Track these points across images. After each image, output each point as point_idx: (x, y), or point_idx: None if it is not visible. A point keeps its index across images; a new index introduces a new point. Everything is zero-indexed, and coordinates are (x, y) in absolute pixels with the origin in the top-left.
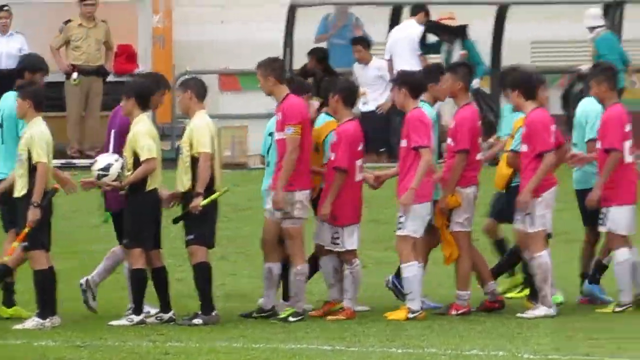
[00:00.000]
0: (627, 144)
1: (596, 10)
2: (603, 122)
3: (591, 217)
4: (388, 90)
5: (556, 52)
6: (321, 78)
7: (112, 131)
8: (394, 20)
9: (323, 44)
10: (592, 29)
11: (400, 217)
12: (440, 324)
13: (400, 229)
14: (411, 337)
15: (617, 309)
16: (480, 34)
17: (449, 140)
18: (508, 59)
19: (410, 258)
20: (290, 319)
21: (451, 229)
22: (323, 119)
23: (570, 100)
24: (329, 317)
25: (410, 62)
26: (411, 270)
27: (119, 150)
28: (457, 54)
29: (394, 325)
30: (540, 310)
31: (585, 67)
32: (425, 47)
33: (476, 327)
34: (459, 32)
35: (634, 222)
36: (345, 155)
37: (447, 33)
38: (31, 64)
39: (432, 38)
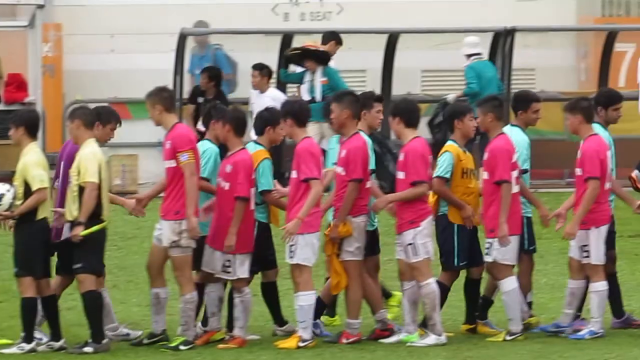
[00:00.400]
0: (514, 174)
1: (473, 39)
2: (492, 153)
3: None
4: None
5: (446, 80)
6: (212, 98)
7: (62, 162)
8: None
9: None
10: (468, 56)
11: (291, 245)
12: (331, 352)
13: (291, 257)
14: None
15: (508, 338)
16: (372, 63)
17: (340, 170)
18: (399, 88)
19: (307, 287)
20: (181, 347)
21: (342, 257)
22: (253, 148)
23: (434, 128)
24: (220, 346)
25: None
26: (306, 299)
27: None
28: (319, 82)
29: (285, 354)
30: (431, 339)
31: (451, 96)
32: (287, 77)
33: (366, 356)
34: (323, 58)
35: (517, 252)
36: (245, 184)
37: (312, 59)
38: None
39: (293, 68)
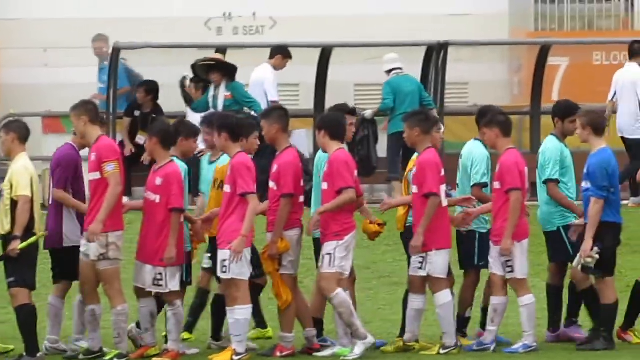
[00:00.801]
0: (443, 187)
1: (392, 55)
2: (420, 167)
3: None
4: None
5: (379, 94)
6: (149, 112)
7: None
8: None
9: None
10: (388, 72)
11: (224, 260)
12: None
13: (224, 272)
14: None
15: (442, 352)
16: (306, 76)
17: (272, 184)
18: (332, 102)
19: (244, 301)
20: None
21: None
22: (226, 159)
23: (357, 145)
24: (155, 359)
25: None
26: (242, 313)
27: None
28: (223, 95)
29: None
30: (360, 347)
31: (368, 112)
32: (196, 107)
33: None
34: (231, 72)
35: (448, 265)
36: (179, 195)
37: (220, 71)
38: None
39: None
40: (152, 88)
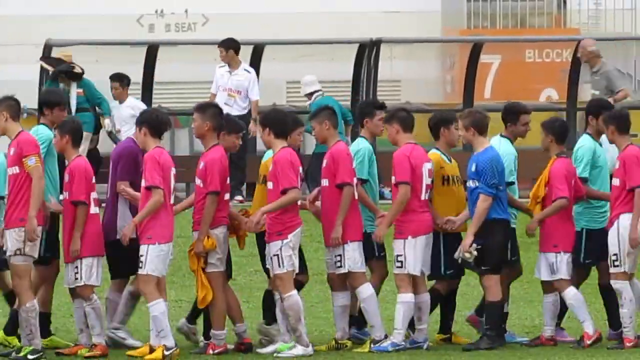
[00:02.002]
0: (355, 180)
1: (310, 77)
2: (331, 159)
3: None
4: None
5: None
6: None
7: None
8: None
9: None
10: (309, 95)
11: (141, 256)
12: None
13: (141, 268)
14: None
15: (373, 346)
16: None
17: (199, 182)
18: (264, 99)
19: (154, 296)
20: (29, 356)
21: (206, 270)
22: (270, 154)
23: None
24: (87, 354)
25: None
26: (158, 308)
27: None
28: (75, 93)
29: None
30: (298, 350)
31: None
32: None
33: None
34: (77, 76)
35: (364, 258)
36: (80, 188)
37: (67, 77)
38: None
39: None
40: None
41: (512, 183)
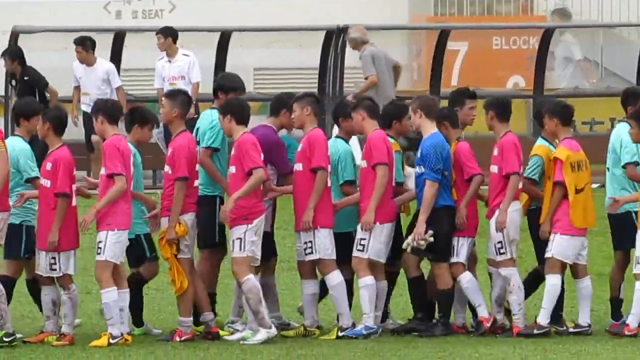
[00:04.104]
0: (329, 167)
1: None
2: (309, 144)
3: (621, 241)
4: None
5: (279, 78)
6: (21, 75)
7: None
8: None
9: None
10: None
11: (100, 242)
12: (164, 350)
13: (99, 254)
14: None
15: (341, 334)
16: (205, 61)
17: (167, 168)
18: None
19: (109, 284)
20: (5, 339)
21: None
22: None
23: None
24: (55, 343)
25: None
26: (110, 296)
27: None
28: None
29: (118, 352)
30: (262, 334)
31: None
32: None
33: (199, 354)
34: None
35: (334, 245)
36: (65, 180)
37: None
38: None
39: None
40: (14, 53)
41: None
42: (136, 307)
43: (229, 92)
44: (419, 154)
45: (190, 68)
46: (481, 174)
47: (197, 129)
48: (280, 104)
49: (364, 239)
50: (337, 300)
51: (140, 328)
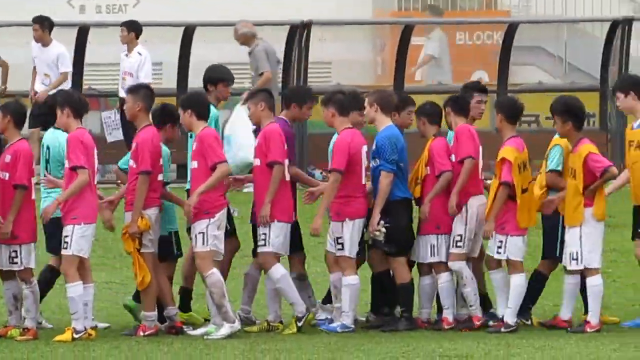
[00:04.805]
0: (286, 162)
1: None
2: (264, 137)
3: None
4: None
5: (242, 73)
6: None
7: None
8: None
9: None
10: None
11: (66, 236)
12: (128, 344)
13: (65, 248)
14: (98, 357)
15: (299, 324)
16: (169, 56)
17: (131, 162)
18: (195, 81)
19: (75, 278)
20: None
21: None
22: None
23: None
24: (19, 338)
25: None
26: (76, 290)
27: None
28: None
29: (82, 346)
30: (226, 328)
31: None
32: None
33: (163, 348)
34: None
35: (288, 241)
36: (24, 173)
37: None
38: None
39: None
40: None
41: None
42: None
43: (217, 84)
44: (373, 147)
45: (140, 66)
46: (451, 170)
47: None
48: (290, 98)
49: (341, 237)
50: (284, 291)
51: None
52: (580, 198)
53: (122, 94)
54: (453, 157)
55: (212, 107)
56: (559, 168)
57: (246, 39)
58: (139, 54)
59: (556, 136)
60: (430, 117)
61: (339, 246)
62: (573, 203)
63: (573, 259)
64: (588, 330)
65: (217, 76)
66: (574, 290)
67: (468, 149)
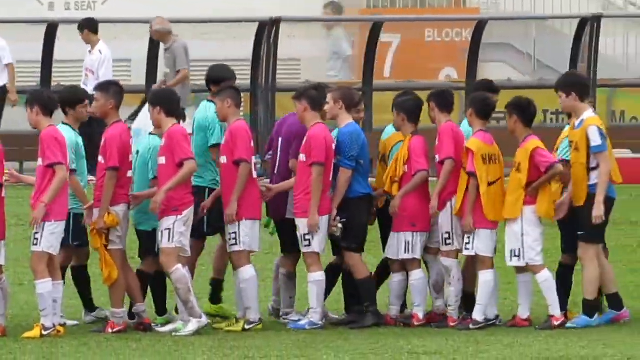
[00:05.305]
0: (254, 159)
1: None
2: (232, 136)
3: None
4: (5, 71)
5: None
6: None
7: (280, 138)
8: None
9: None
10: None
11: (36, 233)
12: (97, 341)
13: (35, 245)
14: (67, 354)
15: (247, 327)
16: (137, 53)
17: (100, 158)
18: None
19: (44, 275)
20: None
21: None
22: (390, 131)
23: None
24: None
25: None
26: (45, 287)
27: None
28: None
29: (50, 343)
30: (193, 324)
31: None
32: None
33: (132, 345)
34: None
35: (258, 238)
36: None
37: None
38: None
39: None
40: None
41: None
42: (161, 296)
43: (219, 83)
44: (335, 144)
45: (100, 64)
46: (426, 170)
47: (194, 121)
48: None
49: (308, 234)
50: (247, 293)
51: (164, 317)
52: (522, 192)
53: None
54: (437, 157)
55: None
56: (568, 157)
57: (161, 36)
58: (100, 52)
59: (565, 129)
60: (410, 115)
61: (306, 242)
62: (514, 195)
63: (515, 255)
64: (555, 323)
65: (219, 75)
66: (528, 288)
67: (449, 150)
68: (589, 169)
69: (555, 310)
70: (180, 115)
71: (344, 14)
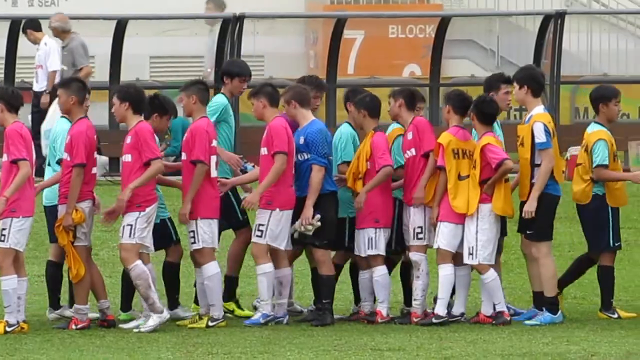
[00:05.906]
0: (214, 158)
1: None
2: (191, 134)
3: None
4: None
5: (174, 66)
6: None
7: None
8: None
9: None
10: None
11: (3, 229)
12: (60, 338)
13: (2, 241)
14: (31, 351)
15: (211, 324)
16: (101, 49)
17: (65, 155)
18: (127, 74)
19: (10, 271)
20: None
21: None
22: (392, 126)
23: None
24: None
25: None
26: (10, 283)
27: None
28: None
29: (14, 340)
30: (154, 319)
31: None
32: None
33: (96, 342)
34: None
35: (217, 235)
36: None
37: None
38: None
39: None
40: None
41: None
42: (174, 291)
43: (234, 78)
44: (301, 141)
45: (46, 56)
46: (391, 165)
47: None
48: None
49: (263, 225)
50: (211, 290)
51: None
52: (478, 189)
53: (35, 87)
54: (413, 151)
55: (222, 97)
56: (606, 162)
57: (58, 33)
58: (45, 44)
59: (593, 129)
60: (372, 111)
61: (258, 232)
62: (474, 192)
63: (469, 253)
64: (506, 317)
65: (235, 70)
66: (495, 285)
67: (430, 142)
68: (533, 165)
69: (502, 306)
70: (143, 111)
71: (307, 10)
